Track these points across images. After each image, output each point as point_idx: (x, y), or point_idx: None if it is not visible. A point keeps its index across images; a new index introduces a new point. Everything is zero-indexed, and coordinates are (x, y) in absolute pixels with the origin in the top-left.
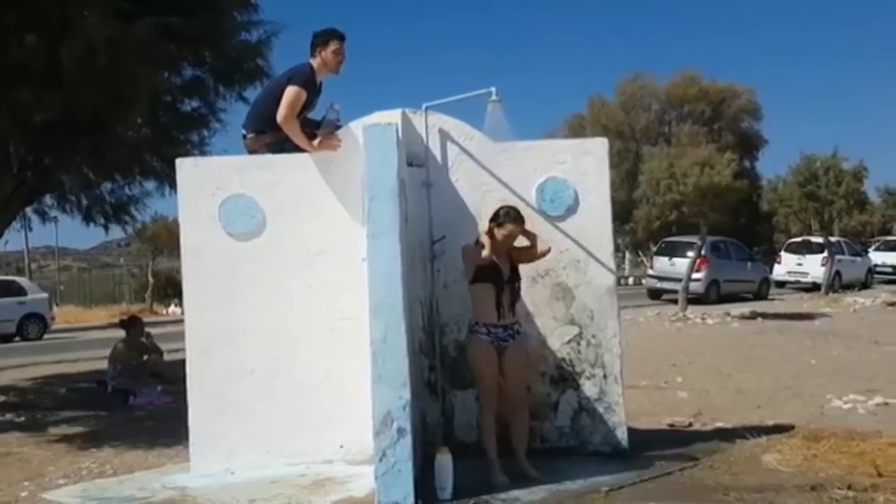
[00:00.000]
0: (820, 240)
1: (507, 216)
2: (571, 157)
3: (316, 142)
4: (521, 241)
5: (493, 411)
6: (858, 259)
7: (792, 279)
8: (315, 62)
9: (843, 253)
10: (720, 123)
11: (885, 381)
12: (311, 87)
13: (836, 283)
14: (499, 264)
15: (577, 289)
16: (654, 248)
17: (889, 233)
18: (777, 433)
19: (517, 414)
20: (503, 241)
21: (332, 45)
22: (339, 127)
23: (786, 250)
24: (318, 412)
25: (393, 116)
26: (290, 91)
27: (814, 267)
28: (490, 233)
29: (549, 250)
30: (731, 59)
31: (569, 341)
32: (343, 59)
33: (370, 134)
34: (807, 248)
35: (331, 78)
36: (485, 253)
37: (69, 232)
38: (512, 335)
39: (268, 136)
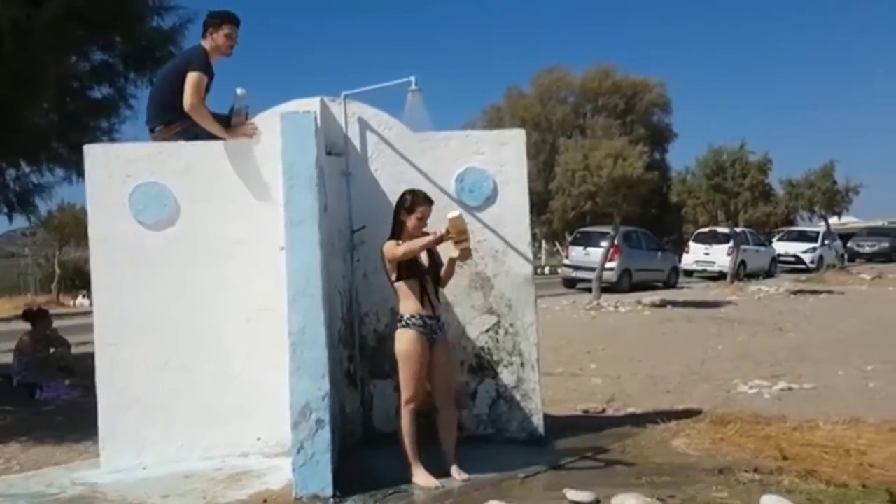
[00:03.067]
0: (726, 230)
1: (416, 196)
2: (490, 147)
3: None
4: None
5: (416, 409)
6: (762, 249)
7: (699, 268)
8: (207, 44)
9: (748, 243)
10: (632, 116)
11: (789, 367)
12: (210, 70)
13: (742, 272)
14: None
15: (496, 278)
16: (569, 238)
17: (792, 223)
18: (686, 418)
19: (445, 410)
20: (417, 227)
21: (225, 29)
22: (247, 114)
23: (694, 240)
24: (235, 405)
25: (311, 104)
26: (192, 76)
27: (720, 256)
28: (401, 223)
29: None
30: (644, 52)
31: (487, 330)
32: (235, 43)
33: (288, 122)
34: (713, 239)
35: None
36: (399, 250)
37: None
38: (441, 327)
39: (177, 125)
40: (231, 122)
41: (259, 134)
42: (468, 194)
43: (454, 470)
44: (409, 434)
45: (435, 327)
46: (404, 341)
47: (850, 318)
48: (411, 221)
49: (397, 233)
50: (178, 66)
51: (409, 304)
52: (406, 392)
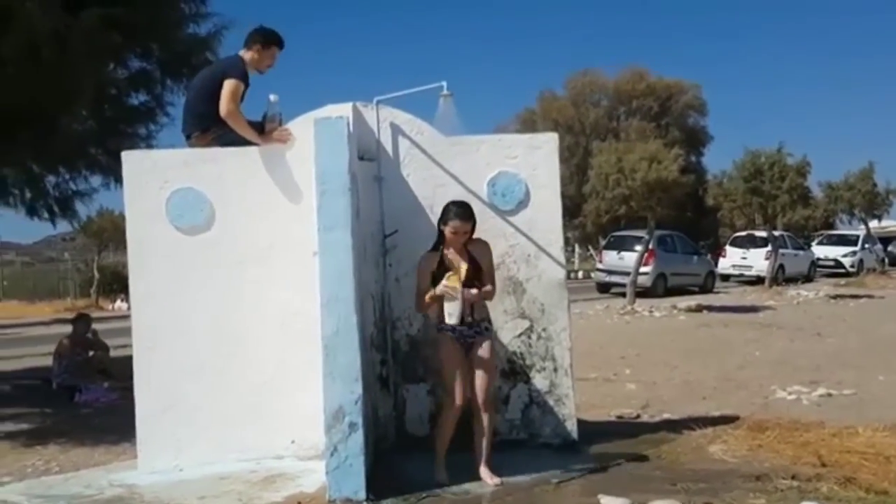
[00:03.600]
0: (764, 234)
1: (448, 213)
2: (522, 151)
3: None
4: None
5: (457, 412)
6: (801, 253)
7: (736, 272)
8: (246, 56)
9: (786, 247)
10: (667, 119)
11: (828, 373)
12: (246, 79)
13: (780, 277)
14: (451, 266)
15: (528, 282)
16: (602, 243)
17: (831, 227)
18: (723, 424)
19: (480, 415)
20: (452, 240)
21: (270, 50)
22: (281, 120)
23: (730, 244)
24: (269, 408)
25: (344, 110)
26: (230, 84)
27: (758, 260)
28: (441, 232)
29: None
30: (678, 55)
31: (519, 335)
32: (273, 64)
33: (321, 127)
34: (751, 242)
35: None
36: (440, 288)
37: (11, 226)
38: (479, 332)
39: (211, 133)
40: (264, 129)
41: (293, 139)
42: (500, 198)
43: (487, 474)
44: (441, 431)
45: (466, 333)
46: (438, 346)
47: (892, 322)
48: (447, 233)
49: (439, 241)
50: (214, 74)
51: (439, 311)
52: (448, 395)
